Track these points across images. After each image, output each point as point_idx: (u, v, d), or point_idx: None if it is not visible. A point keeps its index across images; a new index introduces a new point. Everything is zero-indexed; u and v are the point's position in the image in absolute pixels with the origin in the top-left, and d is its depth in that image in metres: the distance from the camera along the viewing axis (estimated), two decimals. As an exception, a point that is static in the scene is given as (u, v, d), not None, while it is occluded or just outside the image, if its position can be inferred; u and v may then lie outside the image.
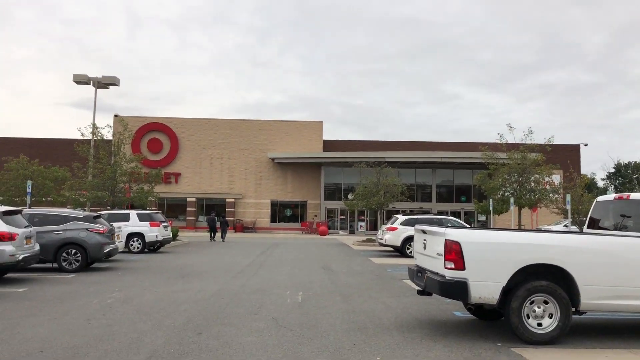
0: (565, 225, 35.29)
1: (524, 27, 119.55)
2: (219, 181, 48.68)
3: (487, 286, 7.26)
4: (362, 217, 47.97)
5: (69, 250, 15.00)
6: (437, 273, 7.67)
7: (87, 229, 15.42)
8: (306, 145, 48.85)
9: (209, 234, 33.07)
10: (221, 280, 13.80)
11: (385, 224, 23.62)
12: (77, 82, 30.81)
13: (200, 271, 15.84)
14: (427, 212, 44.50)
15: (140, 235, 22.44)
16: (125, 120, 29.14)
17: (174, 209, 48.29)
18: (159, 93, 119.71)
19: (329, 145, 49.79)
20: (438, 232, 7.73)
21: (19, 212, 14.01)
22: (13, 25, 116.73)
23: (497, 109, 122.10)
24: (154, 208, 42.17)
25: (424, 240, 8.41)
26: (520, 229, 30.74)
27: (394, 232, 21.71)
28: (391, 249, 23.58)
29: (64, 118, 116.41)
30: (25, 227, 13.58)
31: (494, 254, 7.33)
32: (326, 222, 46.08)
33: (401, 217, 22.19)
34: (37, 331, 7.73)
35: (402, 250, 21.54)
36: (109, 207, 28.04)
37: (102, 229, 15.62)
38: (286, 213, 49.71)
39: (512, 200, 25.04)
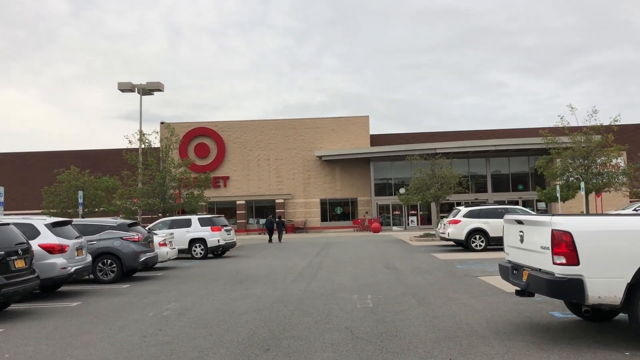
0: (636, 210, 32.93)
1: (568, 9, 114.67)
2: (267, 182, 48.19)
3: (607, 283, 6.02)
4: (414, 212, 46.50)
5: (104, 261, 14.44)
6: (543, 270, 6.46)
7: (121, 238, 14.84)
8: (353, 141, 47.74)
9: (267, 236, 33.32)
10: (281, 285, 12.91)
11: (446, 217, 22.27)
12: (122, 90, 30.75)
13: (258, 276, 15.02)
14: (483, 202, 42.61)
15: (202, 241, 21.87)
16: (171, 126, 28.84)
17: (223, 212, 47.89)
18: (202, 100, 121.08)
19: (376, 139, 48.53)
20: (541, 222, 6.53)
21: (69, 222, 13.52)
22: (60, 43, 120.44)
23: (543, 94, 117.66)
24: (204, 212, 42.02)
25: (520, 232, 7.21)
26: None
27: (457, 225, 20.37)
28: (453, 243, 22.25)
29: (114, 130, 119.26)
30: (76, 237, 13.07)
31: (614, 244, 6.08)
32: (378, 218, 44.84)
33: (464, 209, 20.83)
34: (89, 352, 6.98)
35: (467, 244, 20.19)
36: (160, 214, 27.76)
37: (136, 237, 14.99)
38: (336, 211, 48.75)
39: (582, 184, 23.22)
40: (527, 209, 20.94)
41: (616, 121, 27.05)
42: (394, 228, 45.72)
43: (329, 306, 9.66)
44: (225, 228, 22.53)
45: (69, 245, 12.45)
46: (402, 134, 49.71)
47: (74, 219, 15.33)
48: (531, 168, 46.83)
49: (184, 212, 42.77)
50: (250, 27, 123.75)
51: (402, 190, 44.08)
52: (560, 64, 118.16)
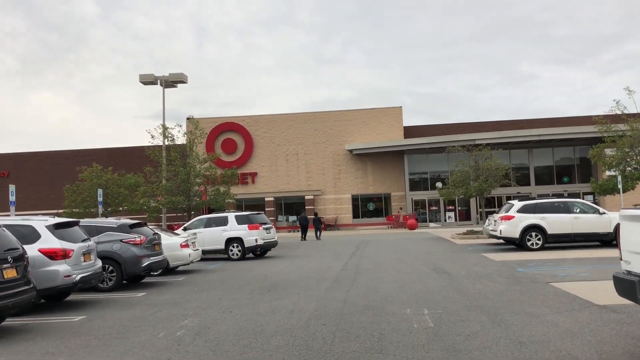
0: None
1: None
2: (296, 178, 46.47)
3: None
4: (451, 208, 44.17)
5: (103, 266, 12.69)
6: None
7: (121, 241, 13.17)
8: (386, 134, 45.62)
9: (299, 233, 31.85)
10: (315, 293, 11.09)
11: (496, 213, 20.12)
12: (145, 83, 29.34)
13: (289, 281, 13.24)
14: (526, 196, 40.06)
15: (239, 240, 20.16)
16: (198, 122, 27.32)
17: (252, 210, 46.42)
18: (230, 98, 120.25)
19: (410, 131, 46.30)
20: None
21: (76, 223, 11.93)
22: (90, 46, 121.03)
23: (577, 85, 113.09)
24: (232, 210, 40.56)
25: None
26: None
27: (511, 221, 18.22)
28: (502, 241, 20.08)
29: (144, 130, 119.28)
30: (83, 240, 11.48)
31: None
32: (413, 214, 42.67)
33: (517, 203, 18.65)
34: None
35: (522, 242, 18.02)
36: (185, 213, 26.27)
37: (138, 239, 13.28)
38: (368, 207, 46.72)
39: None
40: (591, 203, 18.68)
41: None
42: (431, 225, 43.47)
43: (378, 325, 7.79)
44: (264, 226, 20.72)
45: (73, 250, 10.87)
46: (438, 124, 47.35)
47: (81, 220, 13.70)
48: (577, 159, 44.07)
49: (210, 210, 41.46)
50: (275, 25, 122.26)
51: (439, 184, 41.85)
52: (595, 54, 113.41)
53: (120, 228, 13.39)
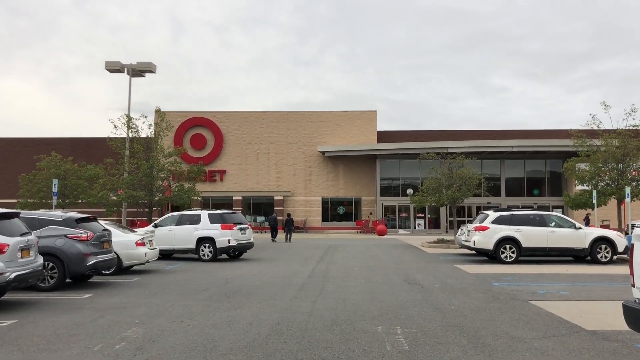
0: None
1: (575, 15, 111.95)
2: (266, 178, 45.36)
3: None
4: (421, 215, 43.69)
5: (44, 263, 11.47)
6: None
7: (65, 236, 11.97)
8: (359, 137, 44.91)
9: (268, 235, 30.85)
10: (279, 302, 10.14)
11: (470, 223, 19.49)
12: (111, 70, 27.92)
13: (251, 287, 12.25)
14: (495, 207, 39.82)
15: (210, 240, 18.96)
16: (165, 114, 26.00)
17: (219, 208, 45.15)
18: (204, 95, 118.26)
19: (383, 136, 45.70)
20: None
21: (16, 215, 10.71)
22: (62, 33, 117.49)
23: (546, 100, 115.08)
24: (197, 208, 39.21)
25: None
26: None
27: (485, 232, 17.58)
28: (473, 251, 19.47)
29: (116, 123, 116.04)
30: (22, 234, 10.29)
31: None
32: (383, 220, 42.04)
33: (492, 214, 18.03)
34: None
35: (496, 254, 17.39)
36: (146, 210, 24.98)
37: (84, 235, 12.10)
38: (339, 211, 45.91)
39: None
40: (565, 217, 18.21)
41: (656, 121, 24.22)
42: (400, 231, 42.91)
43: (346, 345, 6.89)
44: (238, 226, 19.51)
45: (9, 245, 9.71)
46: (411, 131, 46.87)
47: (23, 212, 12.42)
48: (548, 172, 44.16)
49: (174, 208, 40.02)
50: (253, 24, 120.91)
51: (409, 191, 41.35)
52: (564, 71, 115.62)
53: (66, 222, 12.17)
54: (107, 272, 14.55)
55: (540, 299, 10.44)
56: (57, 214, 12.65)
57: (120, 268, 14.98)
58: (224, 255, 20.14)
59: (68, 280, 12.72)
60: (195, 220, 19.41)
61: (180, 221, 19.60)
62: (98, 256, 12.30)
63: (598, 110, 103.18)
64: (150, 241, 16.09)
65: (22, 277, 9.87)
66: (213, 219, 19.22)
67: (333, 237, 36.31)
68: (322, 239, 34.02)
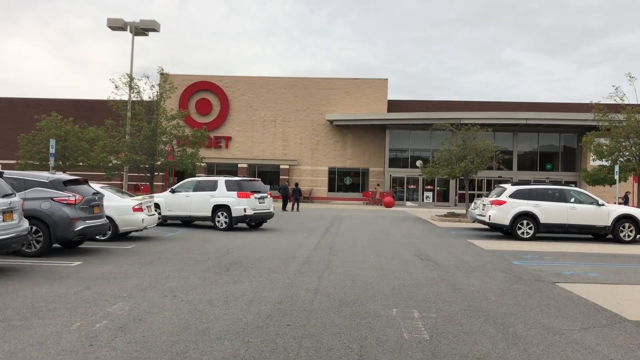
0: None
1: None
2: (272, 146, 44.37)
3: None
4: (430, 187, 42.73)
5: (29, 228, 10.62)
6: None
7: (51, 199, 11.10)
8: (369, 106, 43.67)
9: (281, 203, 30.46)
10: (282, 277, 9.31)
11: (485, 196, 18.53)
12: (113, 28, 26.75)
13: (252, 259, 11.43)
14: (507, 181, 38.76)
15: (226, 209, 17.93)
16: (168, 75, 24.87)
17: (224, 176, 44.40)
18: (210, 62, 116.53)
19: (393, 106, 44.43)
20: None
21: (-2, 175, 9.85)
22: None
23: (557, 75, 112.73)
24: (201, 175, 38.43)
25: None
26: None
27: (502, 207, 16.64)
28: (485, 226, 18.60)
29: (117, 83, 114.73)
30: (4, 196, 9.44)
31: None
32: (391, 192, 41.13)
33: (510, 187, 17.05)
34: None
35: (512, 230, 16.48)
36: (147, 174, 24.13)
37: (72, 198, 11.21)
38: (345, 181, 45.00)
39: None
40: (587, 192, 17.20)
41: (684, 95, 22.95)
42: (408, 203, 42.05)
43: (357, 332, 6.04)
44: (256, 195, 18.37)
45: (-13, 207, 8.86)
46: (422, 101, 45.54)
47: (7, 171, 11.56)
48: (561, 146, 42.95)
49: (176, 173, 39.24)
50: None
51: (419, 163, 40.34)
52: (577, 46, 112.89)
53: (53, 184, 11.30)
54: (102, 238, 13.84)
55: (567, 281, 9.55)
56: (43, 175, 11.77)
57: (117, 234, 14.26)
58: (244, 225, 19.29)
59: (57, 246, 11.97)
60: (212, 186, 18.45)
61: (198, 187, 18.71)
62: (87, 221, 11.47)
63: (614, 85, 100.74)
64: (148, 207, 15.26)
65: (3, 242, 9.06)
66: (230, 186, 18.20)
67: (339, 208, 35.50)
68: (328, 210, 33.23)
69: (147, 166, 23.48)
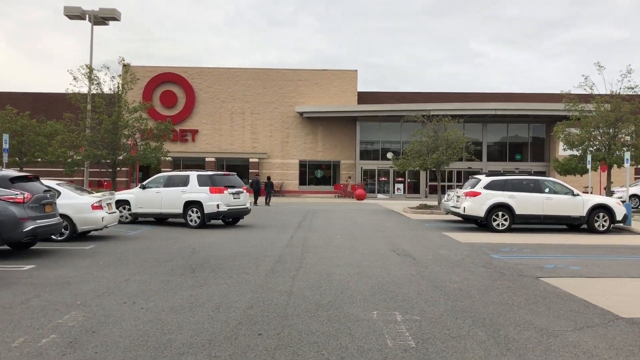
0: None
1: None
2: (240, 139, 43.46)
3: None
4: (401, 180, 42.53)
5: None
6: None
7: None
8: (339, 98, 43.15)
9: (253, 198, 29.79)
10: (252, 278, 8.68)
11: (460, 188, 18.21)
12: (70, 17, 25.47)
13: (221, 258, 10.76)
14: (477, 172, 38.83)
15: (198, 205, 17.06)
16: (130, 65, 23.72)
17: (196, 170, 43.27)
18: (175, 54, 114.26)
19: (363, 97, 44.00)
20: None
21: None
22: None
23: (521, 66, 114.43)
24: (167, 170, 37.34)
25: None
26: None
27: (476, 198, 16.31)
28: (459, 218, 18.31)
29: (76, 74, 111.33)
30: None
31: None
32: (362, 184, 40.77)
33: (485, 179, 16.74)
34: None
35: (487, 222, 16.18)
36: (109, 170, 23.11)
37: (19, 197, 10.34)
38: (316, 174, 44.45)
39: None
40: (562, 182, 17.00)
41: (654, 82, 23.02)
42: (379, 196, 41.77)
43: (336, 340, 5.47)
44: (230, 190, 17.40)
45: None
46: (393, 92, 45.27)
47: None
48: (530, 137, 43.25)
49: (142, 168, 38.03)
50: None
51: (390, 155, 40.12)
52: (540, 37, 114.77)
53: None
54: (59, 239, 12.98)
55: (550, 275, 9.18)
56: (-11, 171, 10.83)
57: (75, 234, 13.39)
58: (220, 222, 18.53)
59: (6, 248, 11.09)
60: (184, 181, 17.49)
61: (169, 182, 17.72)
62: (38, 221, 10.60)
63: (576, 77, 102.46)
64: (109, 204, 14.40)
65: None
66: (202, 181, 17.23)
67: (311, 202, 34.95)
68: (300, 204, 32.65)
69: (108, 161, 22.44)
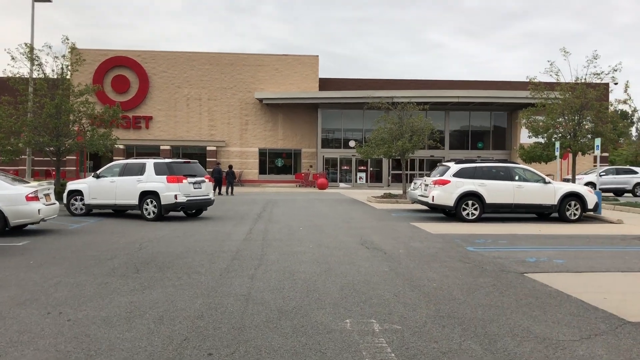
0: (600, 175, 29.69)
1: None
2: (197, 126, 41.80)
3: None
4: (363, 168, 41.81)
5: None
6: None
7: None
8: (300, 84, 41.96)
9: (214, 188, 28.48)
10: (204, 279, 7.58)
11: (428, 176, 17.43)
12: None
13: (171, 255, 9.59)
14: (440, 160, 38.44)
15: (155, 196, 15.63)
16: (73, 43, 21.83)
17: (153, 157, 41.37)
18: (132, 41, 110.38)
19: (325, 84, 42.95)
20: None
21: None
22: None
23: (480, 57, 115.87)
24: (119, 158, 35.48)
25: None
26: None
27: (446, 187, 15.55)
28: (427, 207, 17.60)
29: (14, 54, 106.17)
30: None
31: None
32: (324, 173, 39.84)
33: (454, 166, 15.98)
34: None
35: (457, 211, 15.44)
36: (54, 158, 21.37)
37: None
38: (277, 163, 43.26)
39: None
40: (533, 169, 16.43)
41: (615, 70, 22.79)
42: (341, 185, 40.95)
43: (304, 359, 4.47)
44: (190, 179, 15.95)
45: None
46: (355, 79, 44.32)
47: None
48: (492, 125, 43.19)
49: (92, 157, 36.07)
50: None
51: (352, 143, 39.32)
52: (498, 29, 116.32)
53: None
54: (-14, 234, 11.51)
55: (535, 270, 8.41)
56: None
57: (7, 228, 11.97)
58: (181, 214, 17.21)
59: None
60: (140, 170, 16.03)
61: (124, 171, 16.27)
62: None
63: (533, 69, 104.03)
64: (47, 195, 12.96)
65: None
66: (159, 170, 15.78)
67: (271, 191, 33.80)
68: (260, 193, 31.47)
69: (51, 148, 20.70)
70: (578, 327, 5.42)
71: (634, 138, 59.56)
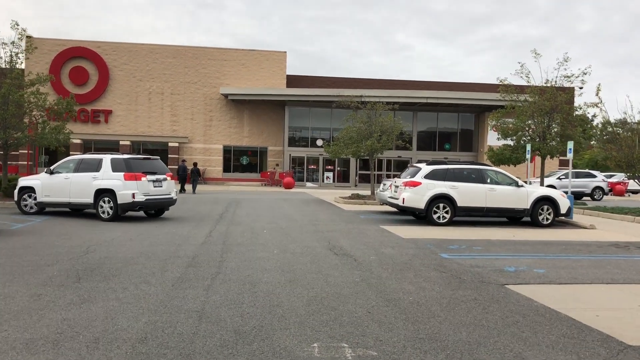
0: (560, 178, 29.80)
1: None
2: (159, 121, 40.41)
3: None
4: (330, 168, 41.19)
5: None
6: None
7: None
8: (267, 80, 41.02)
9: (179, 185, 27.48)
10: (154, 290, 6.72)
11: (398, 178, 16.83)
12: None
13: (119, 260, 8.66)
14: (408, 161, 38.08)
15: (110, 194, 14.54)
16: (24, 29, 20.30)
17: (111, 153, 39.76)
18: (95, 34, 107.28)
19: (293, 81, 42.12)
20: None
21: None
22: None
23: (446, 61, 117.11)
24: (76, 153, 33.93)
25: None
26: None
27: (416, 189, 14.96)
28: (396, 210, 17.05)
29: None
30: None
31: None
32: (291, 172, 39.03)
33: (425, 167, 15.40)
34: None
35: (428, 214, 14.88)
36: (1, 152, 19.97)
37: None
38: (242, 161, 42.21)
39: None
40: (506, 172, 15.98)
41: (585, 74, 22.71)
42: (308, 184, 40.22)
43: (264, 401, 3.69)
44: (150, 177, 14.95)
45: None
46: (323, 77, 43.63)
47: None
48: (459, 127, 43.15)
49: (48, 151, 34.44)
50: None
51: (320, 142, 38.66)
52: (465, 32, 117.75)
53: None
54: None
55: (516, 281, 7.83)
56: None
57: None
58: (141, 214, 16.16)
59: None
60: (96, 166, 14.89)
61: (80, 167, 15.11)
62: None
63: (499, 73, 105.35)
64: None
65: None
66: (116, 166, 14.68)
67: (235, 190, 32.80)
68: (223, 192, 30.47)
69: (-1, 142, 19.31)
70: (576, 353, 4.80)
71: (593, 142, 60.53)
